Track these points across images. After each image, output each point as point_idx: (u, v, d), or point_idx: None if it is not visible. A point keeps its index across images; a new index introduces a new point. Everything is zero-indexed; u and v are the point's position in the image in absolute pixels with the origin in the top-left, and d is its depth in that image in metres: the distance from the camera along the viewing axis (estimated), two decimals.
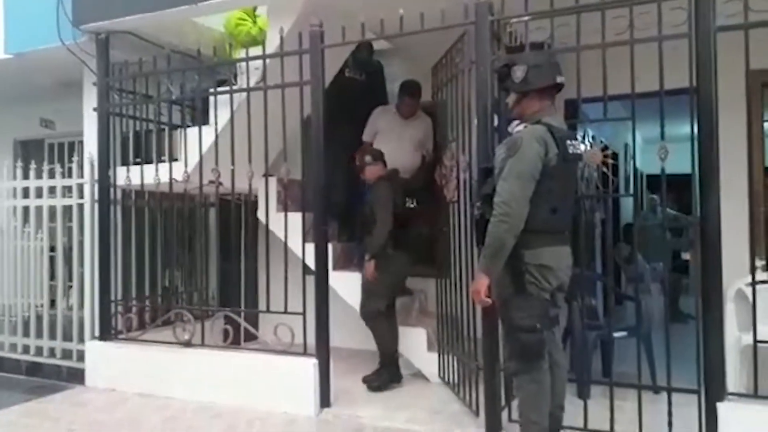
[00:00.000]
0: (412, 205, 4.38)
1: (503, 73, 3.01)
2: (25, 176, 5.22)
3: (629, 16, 3.15)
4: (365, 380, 4.35)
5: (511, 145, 2.79)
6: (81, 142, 5.17)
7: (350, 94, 5.11)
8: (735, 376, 3.50)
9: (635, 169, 8.22)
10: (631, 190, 7.72)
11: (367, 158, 4.41)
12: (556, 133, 2.78)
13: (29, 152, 7.31)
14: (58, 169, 5.14)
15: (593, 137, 5.61)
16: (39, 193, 5.18)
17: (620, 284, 6.80)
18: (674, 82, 3.08)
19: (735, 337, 3.66)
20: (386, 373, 4.34)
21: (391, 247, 4.27)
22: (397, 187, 4.35)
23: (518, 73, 2.89)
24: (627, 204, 8.46)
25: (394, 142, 4.77)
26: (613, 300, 5.71)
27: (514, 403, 3.47)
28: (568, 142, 2.82)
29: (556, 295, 2.92)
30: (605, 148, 5.35)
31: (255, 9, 4.75)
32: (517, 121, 3.03)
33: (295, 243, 4.29)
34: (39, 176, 5.17)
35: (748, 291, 3.46)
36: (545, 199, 2.76)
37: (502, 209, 2.70)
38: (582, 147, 3.05)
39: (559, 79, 2.90)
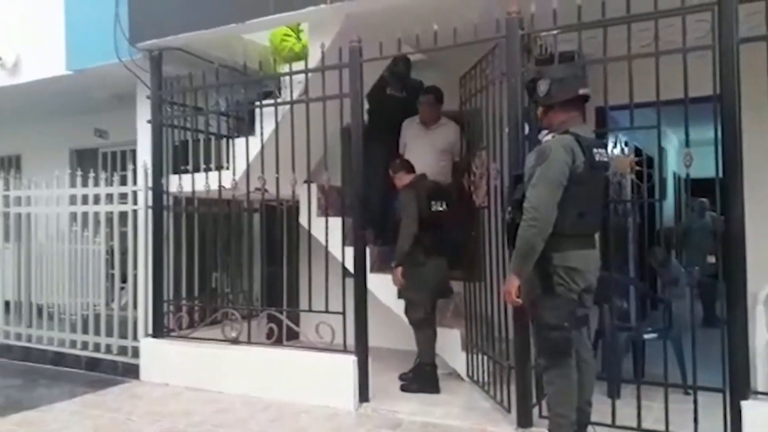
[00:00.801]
0: (441, 208, 4.40)
1: (530, 88, 3.21)
2: (84, 184, 5.59)
3: (654, 28, 3.29)
4: (402, 377, 4.51)
5: (540, 154, 2.96)
6: (133, 151, 5.53)
7: (391, 110, 5.31)
8: (766, 376, 3.58)
9: (661, 174, 8.17)
10: (666, 195, 7.70)
11: (391, 170, 4.62)
12: (583, 141, 2.94)
13: (83, 161, 7.77)
14: (114, 177, 5.49)
15: (626, 143, 5.71)
16: (96, 200, 5.54)
17: (656, 288, 6.84)
18: (703, 90, 3.21)
19: (766, 339, 3.73)
20: (420, 380, 4.39)
21: (423, 254, 4.33)
22: (421, 192, 4.40)
23: (542, 87, 3.08)
24: (663, 208, 8.49)
25: (418, 150, 4.93)
26: (649, 304, 5.79)
27: (545, 401, 3.65)
28: (595, 150, 2.98)
29: (584, 296, 3.06)
30: (638, 153, 5.45)
31: (299, 25, 5.00)
32: (545, 131, 3.20)
33: (334, 246, 4.51)
34: (96, 184, 5.53)
35: None
36: (573, 205, 2.91)
37: (532, 214, 2.86)
38: (609, 154, 3.19)
39: (581, 92, 3.07)
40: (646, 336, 4.22)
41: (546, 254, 2.91)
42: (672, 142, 9.05)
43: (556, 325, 2.90)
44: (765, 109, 3.75)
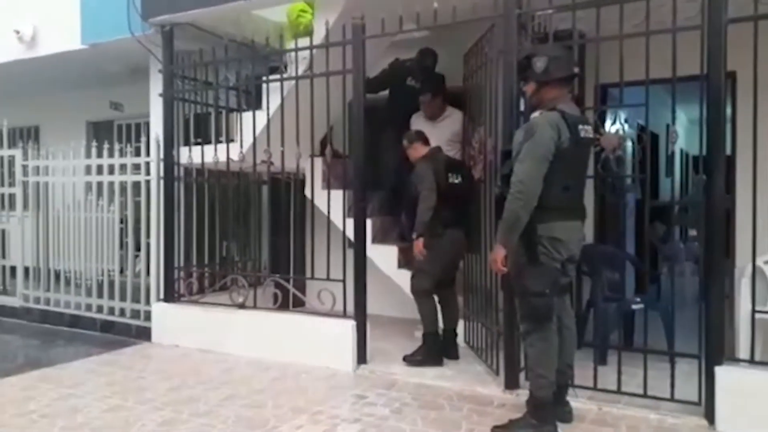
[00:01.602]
0: (456, 181, 4.40)
1: (524, 65, 3.26)
2: (99, 155, 5.81)
3: (646, 8, 3.38)
4: (405, 359, 4.40)
5: (528, 131, 3.08)
6: (147, 124, 5.71)
7: (407, 100, 5.37)
8: (747, 346, 3.73)
9: (652, 150, 8.16)
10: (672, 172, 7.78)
11: (405, 141, 4.63)
12: (569, 118, 3.07)
13: (100, 133, 8.01)
14: (128, 148, 5.70)
15: (626, 120, 5.80)
16: (111, 170, 5.76)
17: (656, 263, 6.96)
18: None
19: (748, 310, 3.88)
20: (425, 351, 4.37)
21: (441, 226, 4.33)
22: (438, 165, 4.39)
23: (539, 64, 3.15)
24: (665, 184, 8.57)
25: None
26: (647, 278, 5.93)
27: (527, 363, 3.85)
28: (580, 126, 3.11)
29: (567, 265, 3.20)
30: (641, 129, 5.55)
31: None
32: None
33: (337, 217, 4.70)
34: (111, 155, 5.74)
35: (766, 268, 3.72)
36: (558, 179, 3.04)
37: (518, 187, 3.00)
38: (601, 131, 3.29)
39: (575, 70, 3.22)
40: (633, 306, 4.38)
41: (531, 225, 3.04)
42: (680, 118, 9.09)
43: (539, 292, 3.05)
44: None
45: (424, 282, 4.37)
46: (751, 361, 3.24)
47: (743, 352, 3.50)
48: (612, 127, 5.57)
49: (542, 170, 3.01)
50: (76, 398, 3.80)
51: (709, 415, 3.24)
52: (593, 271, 4.42)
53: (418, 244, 4.31)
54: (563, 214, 3.12)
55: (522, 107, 3.82)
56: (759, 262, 3.89)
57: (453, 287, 4.61)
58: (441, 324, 4.52)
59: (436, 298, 4.45)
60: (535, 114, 3.22)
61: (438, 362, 4.35)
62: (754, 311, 3.32)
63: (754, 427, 3.10)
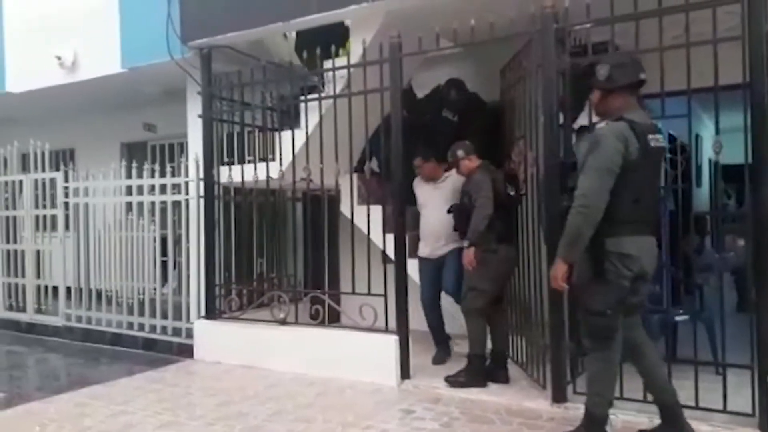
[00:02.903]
0: (512, 192, 4.28)
1: (587, 73, 3.16)
2: (139, 175, 5.94)
3: (686, 20, 3.41)
4: (448, 380, 4.23)
5: (593, 142, 2.98)
6: (180, 144, 5.84)
7: (446, 129, 5.33)
8: None
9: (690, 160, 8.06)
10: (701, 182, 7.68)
11: (460, 153, 4.40)
12: (637, 128, 2.93)
13: (134, 154, 8.16)
14: (166, 168, 5.82)
15: (659, 130, 5.79)
16: (151, 190, 5.88)
17: (689, 274, 6.88)
18: (735, 78, 3.33)
19: None
20: (470, 373, 4.19)
21: (495, 241, 4.15)
22: (497, 175, 4.26)
23: (602, 72, 3.05)
24: (699, 195, 8.50)
25: (431, 205, 4.81)
26: (683, 289, 5.87)
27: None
28: (650, 135, 2.98)
29: (637, 282, 3.01)
30: (672, 140, 5.54)
31: None
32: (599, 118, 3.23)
33: (375, 233, 4.75)
34: (152, 176, 5.87)
35: None
36: (627, 191, 2.92)
37: (580, 201, 2.90)
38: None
39: (642, 76, 3.08)
40: (677, 318, 4.36)
41: (599, 240, 2.93)
42: (708, 128, 9.02)
43: (599, 312, 2.95)
44: None
45: (478, 301, 4.19)
46: None
47: None
48: None
49: (607, 183, 2.90)
50: (128, 415, 3.87)
51: (764, 426, 3.22)
52: None
53: (470, 253, 4.14)
54: (633, 228, 2.98)
55: (561, 120, 3.86)
56: None
57: (502, 305, 4.45)
58: (489, 344, 4.37)
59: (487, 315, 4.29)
60: (601, 124, 3.13)
61: (482, 385, 4.17)
62: None
63: None
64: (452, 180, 4.70)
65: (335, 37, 4.88)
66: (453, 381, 4.20)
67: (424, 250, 4.88)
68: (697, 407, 3.40)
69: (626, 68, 3.06)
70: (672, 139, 5.84)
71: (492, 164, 4.45)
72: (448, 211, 4.50)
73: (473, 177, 4.29)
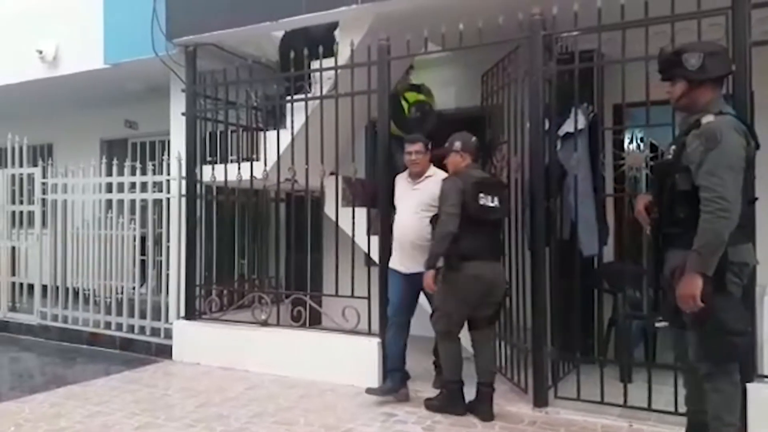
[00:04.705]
0: (492, 204, 3.71)
1: (672, 62, 2.76)
2: (119, 173, 5.85)
3: (671, 31, 3.46)
4: (425, 403, 3.96)
5: (710, 137, 2.58)
6: (162, 142, 5.77)
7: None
8: None
9: None
10: None
11: (456, 144, 3.86)
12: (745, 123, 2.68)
13: (113, 151, 8.05)
14: (148, 166, 5.74)
15: (641, 139, 5.89)
16: (131, 188, 5.80)
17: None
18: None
19: None
20: (445, 400, 3.87)
21: (457, 259, 3.62)
22: (467, 184, 3.67)
23: (692, 60, 2.68)
24: None
25: (404, 205, 4.22)
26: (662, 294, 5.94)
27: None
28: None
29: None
30: (653, 149, 5.63)
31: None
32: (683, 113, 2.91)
33: (359, 235, 4.73)
34: (132, 173, 5.79)
35: None
36: (744, 191, 2.63)
37: (720, 204, 2.51)
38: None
39: (733, 68, 2.85)
40: (657, 324, 4.39)
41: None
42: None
43: (740, 331, 2.60)
44: None
45: (440, 323, 3.79)
46: None
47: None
48: (630, 146, 5.69)
49: (740, 182, 2.57)
50: (105, 415, 3.80)
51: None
52: (618, 289, 4.44)
53: (427, 277, 3.70)
54: (746, 234, 2.69)
55: (547, 126, 3.89)
56: None
57: (488, 330, 3.91)
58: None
59: (470, 339, 3.91)
60: (709, 118, 2.65)
61: (460, 413, 3.77)
62: None
63: None
64: (432, 182, 4.00)
65: (319, 44, 4.69)
66: (429, 404, 3.92)
67: (395, 260, 4.22)
68: (676, 412, 3.43)
69: (720, 57, 2.74)
70: (654, 148, 5.93)
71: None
72: (430, 221, 3.90)
73: (444, 184, 3.76)
